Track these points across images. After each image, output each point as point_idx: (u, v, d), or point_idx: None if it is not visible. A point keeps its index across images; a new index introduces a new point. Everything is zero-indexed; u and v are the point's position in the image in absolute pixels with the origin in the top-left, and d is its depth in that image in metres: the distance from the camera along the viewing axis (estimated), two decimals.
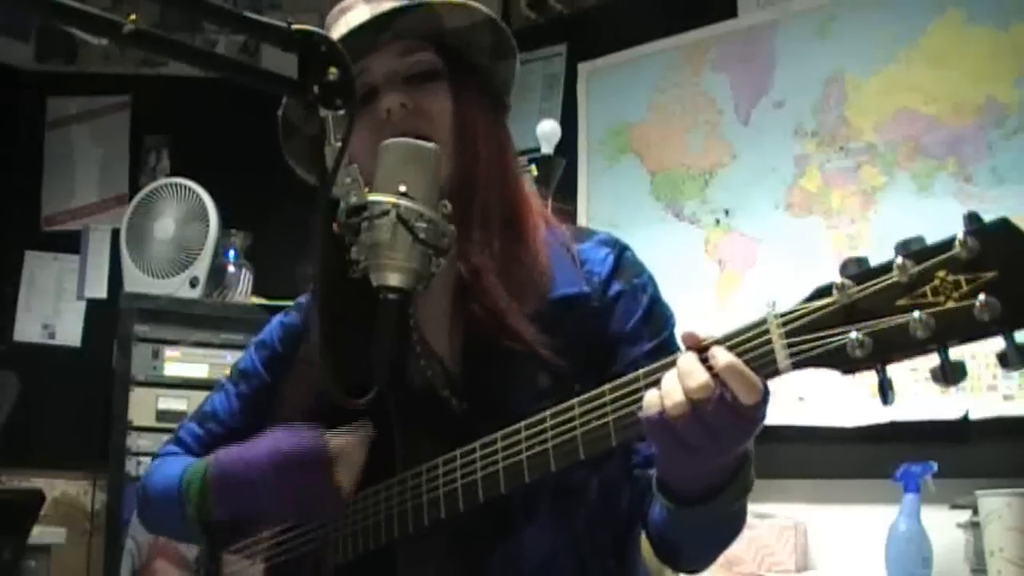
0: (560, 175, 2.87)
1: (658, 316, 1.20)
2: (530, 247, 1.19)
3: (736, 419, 0.89)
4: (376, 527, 1.15)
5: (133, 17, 0.86)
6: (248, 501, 1.14)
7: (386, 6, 1.17)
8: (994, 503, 2.09)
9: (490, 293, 1.14)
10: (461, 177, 1.17)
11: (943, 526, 2.24)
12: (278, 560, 1.25)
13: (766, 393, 0.89)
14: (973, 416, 2.28)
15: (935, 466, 2.22)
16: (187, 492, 1.19)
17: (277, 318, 1.37)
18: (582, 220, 3.04)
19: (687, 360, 0.90)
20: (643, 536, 1.22)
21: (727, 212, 2.82)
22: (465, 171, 1.17)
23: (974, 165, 2.41)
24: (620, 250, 1.23)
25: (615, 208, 3.04)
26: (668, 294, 1.24)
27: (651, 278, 1.23)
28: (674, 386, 0.90)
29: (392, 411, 1.15)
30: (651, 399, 0.91)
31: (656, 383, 0.93)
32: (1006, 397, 2.26)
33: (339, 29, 1.18)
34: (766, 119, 2.78)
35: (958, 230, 0.79)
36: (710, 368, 0.89)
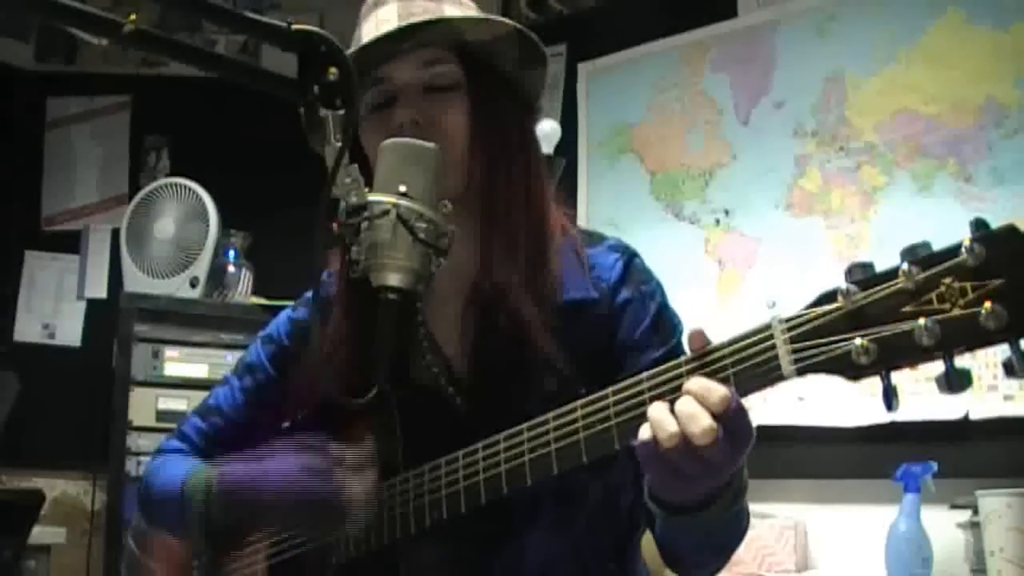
0: (560, 175, 2.87)
1: (666, 324, 1.20)
2: (549, 258, 1.19)
3: (727, 445, 0.88)
4: (378, 527, 1.15)
5: (133, 17, 0.86)
6: (253, 515, 1.14)
7: (416, 10, 1.16)
8: (994, 503, 2.09)
9: (516, 306, 1.13)
10: (479, 191, 1.17)
11: (943, 526, 2.25)
12: (279, 559, 1.25)
13: (739, 407, 0.88)
14: (973, 416, 2.28)
15: (935, 466, 2.22)
16: (191, 499, 1.19)
17: (285, 312, 1.37)
18: (582, 220, 3.04)
19: (688, 403, 0.89)
20: (644, 538, 1.22)
21: (727, 212, 2.82)
22: (483, 185, 1.17)
23: (974, 165, 2.40)
24: (629, 257, 1.23)
25: (615, 208, 3.04)
26: (668, 294, 1.24)
27: (659, 285, 1.23)
28: (666, 417, 0.89)
29: (396, 409, 1.15)
30: (644, 433, 0.91)
31: (658, 386, 0.93)
32: (1006, 397, 2.26)
33: (367, 28, 1.19)
34: (766, 119, 2.78)
35: (964, 236, 0.78)
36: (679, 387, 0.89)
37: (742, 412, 0.89)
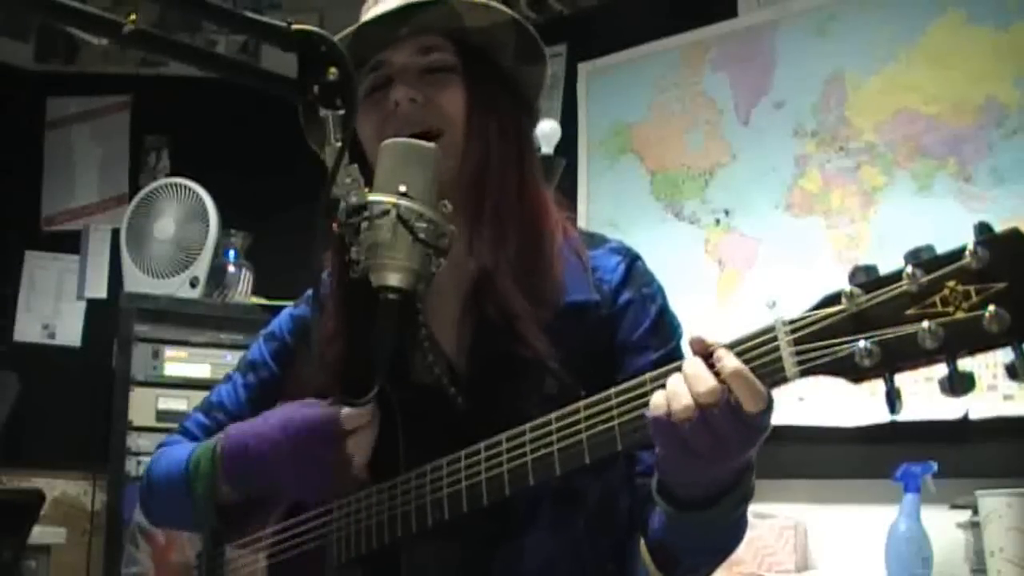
0: (560, 175, 2.87)
1: (666, 326, 1.20)
2: (546, 255, 1.18)
3: (742, 426, 0.89)
4: (379, 527, 1.14)
5: (133, 17, 0.86)
6: (259, 475, 1.14)
7: None
8: (994, 503, 2.10)
9: (504, 297, 1.13)
10: (472, 175, 1.16)
11: (943, 526, 2.25)
12: (280, 557, 1.25)
13: (770, 401, 0.89)
14: (973, 416, 2.28)
15: (935, 466, 2.22)
16: (196, 470, 1.19)
17: (287, 310, 1.37)
18: (582, 220, 3.04)
19: (693, 364, 0.90)
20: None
21: (727, 212, 2.82)
22: (477, 169, 1.17)
23: (974, 165, 2.41)
24: (631, 259, 1.23)
25: (615, 208, 3.04)
26: (668, 294, 1.24)
27: (660, 288, 1.23)
28: (681, 389, 0.90)
29: (396, 408, 1.15)
30: (658, 400, 0.92)
31: (662, 387, 0.93)
32: (1006, 397, 2.26)
33: (366, 16, 1.19)
34: (766, 119, 2.78)
35: (966, 238, 0.78)
36: (716, 373, 0.89)
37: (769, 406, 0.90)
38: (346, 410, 1.10)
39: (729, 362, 0.88)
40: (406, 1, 1.16)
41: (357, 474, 1.13)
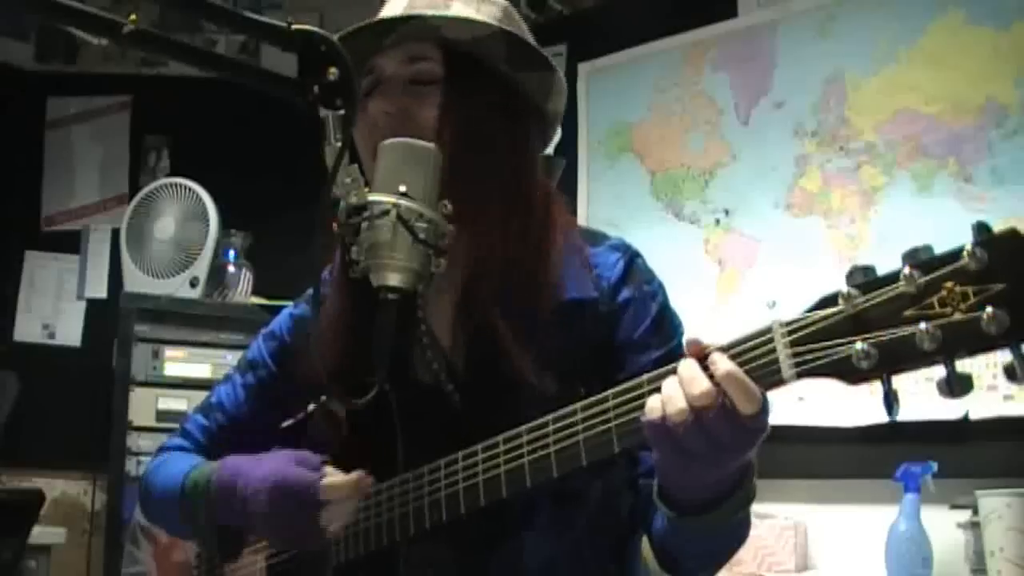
0: (560, 175, 2.86)
1: (667, 325, 1.20)
2: (544, 258, 1.17)
3: (737, 428, 0.89)
4: (377, 529, 1.15)
5: (133, 17, 0.86)
6: (241, 519, 1.15)
7: (420, 4, 1.17)
8: (994, 503, 2.09)
9: (487, 312, 1.13)
10: (456, 185, 1.16)
11: (943, 526, 2.25)
12: (280, 558, 1.25)
13: (766, 403, 0.89)
14: (973, 416, 2.28)
15: (935, 466, 2.22)
16: (192, 496, 1.20)
17: (287, 310, 1.37)
18: (582, 220, 3.03)
19: (688, 367, 0.90)
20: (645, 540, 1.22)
21: (727, 212, 2.82)
22: (458, 179, 1.16)
23: (974, 165, 2.40)
24: (631, 256, 1.22)
25: (615, 208, 3.04)
26: (668, 294, 1.24)
27: (661, 286, 1.23)
28: (676, 392, 0.90)
29: (395, 408, 1.15)
30: (653, 404, 0.91)
31: (659, 389, 0.93)
32: (1006, 397, 2.26)
33: (374, 19, 1.19)
34: (766, 119, 2.78)
35: (965, 239, 0.78)
36: (711, 376, 0.89)
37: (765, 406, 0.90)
38: (327, 480, 1.10)
39: (722, 364, 0.88)
40: (397, 14, 1.16)
41: (327, 543, 1.13)
